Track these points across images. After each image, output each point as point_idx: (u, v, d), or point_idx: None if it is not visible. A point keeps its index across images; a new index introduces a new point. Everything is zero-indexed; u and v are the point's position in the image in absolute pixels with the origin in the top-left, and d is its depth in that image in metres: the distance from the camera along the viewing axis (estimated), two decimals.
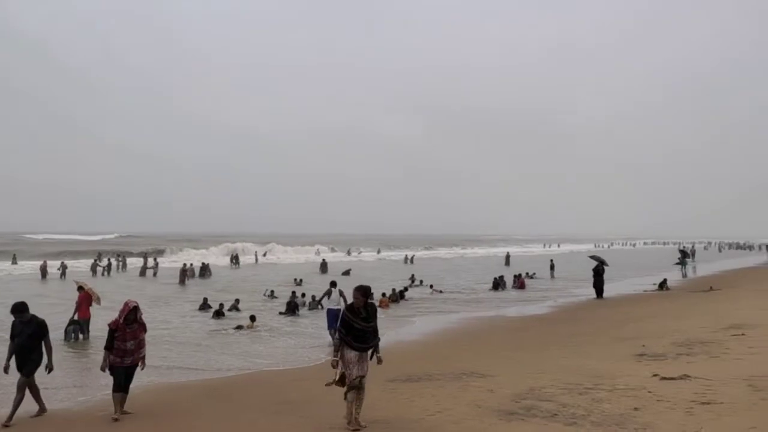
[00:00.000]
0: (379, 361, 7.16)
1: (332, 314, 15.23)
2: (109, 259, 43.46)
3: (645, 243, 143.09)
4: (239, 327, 16.90)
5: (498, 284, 29.25)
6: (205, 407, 8.54)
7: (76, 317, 15.14)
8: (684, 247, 56.66)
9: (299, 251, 69.60)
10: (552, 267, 38.04)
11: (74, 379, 11.18)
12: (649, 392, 7.75)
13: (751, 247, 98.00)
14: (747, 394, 7.34)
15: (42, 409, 8.27)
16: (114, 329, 7.86)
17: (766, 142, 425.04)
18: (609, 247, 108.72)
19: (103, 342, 8.12)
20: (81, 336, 14.99)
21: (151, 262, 42.40)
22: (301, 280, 31.25)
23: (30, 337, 7.93)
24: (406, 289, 26.25)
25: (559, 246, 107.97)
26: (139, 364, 8.13)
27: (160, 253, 59.76)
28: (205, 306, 20.87)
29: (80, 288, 15.56)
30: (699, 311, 17.34)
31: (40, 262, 38.21)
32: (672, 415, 6.72)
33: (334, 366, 7.09)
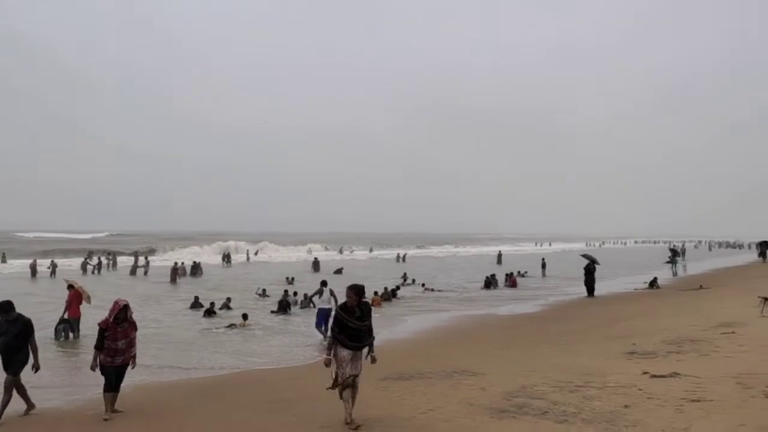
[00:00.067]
0: (373, 360, 7.15)
1: (323, 313, 15.30)
2: (99, 258, 43.23)
3: (636, 242, 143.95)
4: (232, 325, 16.86)
5: (490, 283, 29.33)
6: (198, 406, 8.52)
7: (66, 316, 15.06)
8: (674, 245, 57.00)
9: (291, 250, 69.51)
10: (543, 266, 38.18)
11: (64, 378, 11.12)
12: (640, 390, 7.79)
13: (741, 246, 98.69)
14: (736, 391, 7.39)
15: (30, 407, 8.21)
16: (104, 329, 7.81)
17: (766, 142, 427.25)
18: (600, 245, 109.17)
19: (93, 341, 8.07)
20: (71, 335, 14.91)
21: (142, 260, 42.22)
22: (293, 279, 31.21)
23: (16, 337, 7.86)
24: (398, 287, 26.28)
25: (550, 245, 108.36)
26: (130, 363, 8.10)
27: (152, 251, 59.53)
28: (196, 305, 20.81)
29: (70, 286, 15.47)
30: (689, 309, 17.45)
31: (29, 261, 37.96)
32: (662, 412, 6.76)
33: (327, 365, 7.08)
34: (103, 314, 8.03)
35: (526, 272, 36.16)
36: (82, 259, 41.48)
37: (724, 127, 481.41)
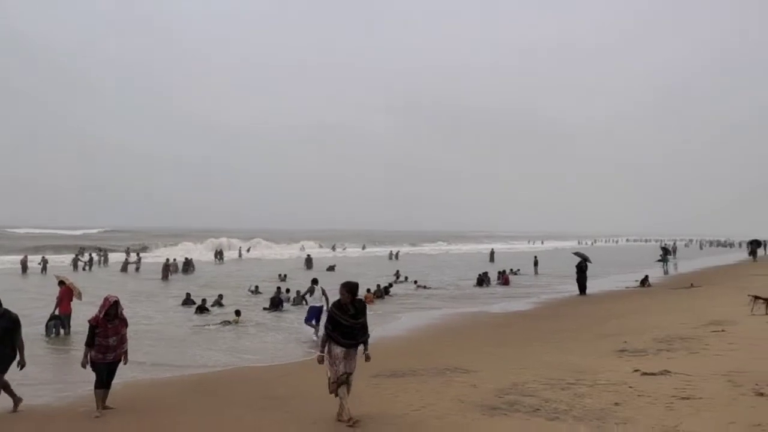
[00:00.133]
0: (367, 358, 7.15)
1: (314, 310, 15.34)
2: (90, 254, 43.01)
3: (628, 240, 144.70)
4: (226, 322, 16.82)
5: (482, 280, 29.39)
6: (190, 403, 8.50)
7: (57, 312, 14.98)
8: (665, 244, 57.40)
9: (284, 247, 69.39)
10: (536, 263, 38.34)
11: (55, 375, 11.08)
12: (630, 387, 7.84)
13: (731, 245, 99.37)
14: (726, 389, 7.44)
15: (17, 401, 8.12)
16: (95, 325, 7.74)
17: (766, 142, 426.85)
18: (593, 244, 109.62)
19: (84, 337, 8.02)
20: (62, 331, 14.83)
21: (133, 257, 42.03)
22: (285, 276, 31.16)
23: (3, 333, 7.78)
24: (390, 285, 26.31)
25: (543, 243, 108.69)
26: (122, 359, 8.05)
27: (145, 248, 59.27)
28: (188, 301, 20.75)
29: (61, 283, 15.39)
30: (680, 308, 17.56)
31: (20, 257, 37.72)
32: (652, 410, 6.80)
33: (320, 362, 7.08)
34: (94, 311, 7.97)
35: (518, 270, 36.29)
36: (73, 255, 41.28)
37: (724, 127, 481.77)
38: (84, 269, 37.63)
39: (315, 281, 16.32)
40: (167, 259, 35.81)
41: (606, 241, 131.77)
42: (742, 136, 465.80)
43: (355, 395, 7.30)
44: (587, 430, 6.26)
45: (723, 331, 11.98)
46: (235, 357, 12.71)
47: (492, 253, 53.70)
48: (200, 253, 54.48)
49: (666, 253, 39.14)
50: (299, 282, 26.55)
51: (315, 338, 14.54)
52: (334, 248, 71.60)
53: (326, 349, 7.04)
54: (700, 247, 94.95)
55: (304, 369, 10.95)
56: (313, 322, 15.14)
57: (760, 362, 8.84)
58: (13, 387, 8.14)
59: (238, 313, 17.46)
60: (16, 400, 8.14)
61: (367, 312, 7.32)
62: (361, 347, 7.14)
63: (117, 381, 8.21)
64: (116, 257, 45.78)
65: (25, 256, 37.10)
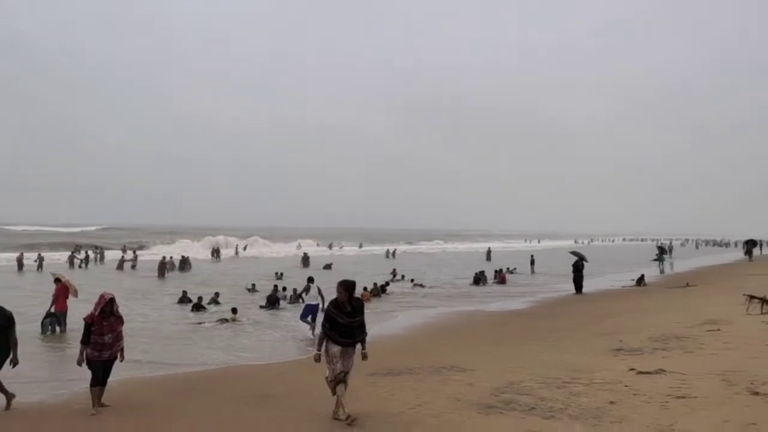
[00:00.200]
0: (364, 357, 7.13)
1: (309, 308, 15.41)
2: (86, 252, 42.90)
3: (624, 239, 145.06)
4: (223, 320, 16.80)
5: (479, 279, 29.42)
6: (187, 400, 8.49)
7: (53, 310, 14.95)
8: (662, 243, 57.51)
9: (281, 245, 69.28)
10: (532, 262, 38.38)
11: (50, 372, 11.05)
12: (626, 386, 7.86)
13: (727, 244, 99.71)
14: (721, 388, 7.47)
15: (10, 397, 8.09)
16: (90, 323, 7.71)
17: (766, 142, 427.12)
18: (589, 243, 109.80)
19: (80, 335, 8.00)
20: (58, 329, 14.80)
21: (130, 254, 41.93)
22: (282, 274, 31.15)
23: None
24: (387, 283, 26.31)
25: (539, 242, 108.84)
26: (118, 356, 8.03)
27: (141, 246, 59.13)
28: (184, 299, 20.73)
29: (57, 280, 15.36)
30: (675, 307, 17.61)
31: (16, 254, 37.58)
32: (647, 408, 6.82)
33: (317, 360, 7.08)
34: (90, 309, 7.95)
35: (515, 269, 36.32)
36: (69, 253, 41.16)
37: (724, 127, 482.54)
38: (80, 267, 37.54)
39: (311, 279, 16.38)
40: (164, 257, 35.74)
41: (602, 241, 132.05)
42: (742, 136, 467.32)
43: (351, 393, 7.30)
44: (583, 429, 6.28)
45: (718, 330, 12.02)
46: (232, 355, 12.70)
47: (489, 252, 53.76)
48: (197, 251, 54.38)
49: (662, 252, 39.23)
50: (296, 280, 26.55)
51: (311, 336, 14.56)
52: (330, 247, 71.56)
53: (323, 347, 7.04)
54: (696, 247, 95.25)
55: (301, 367, 10.96)
56: (309, 318, 15.21)
57: (754, 361, 8.87)
58: (7, 385, 8.12)
59: (234, 310, 17.45)
60: (9, 396, 8.11)
61: (364, 310, 7.31)
62: (359, 346, 7.13)
63: (113, 379, 8.19)
64: (113, 255, 45.67)
65: (21, 254, 36.96)
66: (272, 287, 22.27)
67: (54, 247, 53.73)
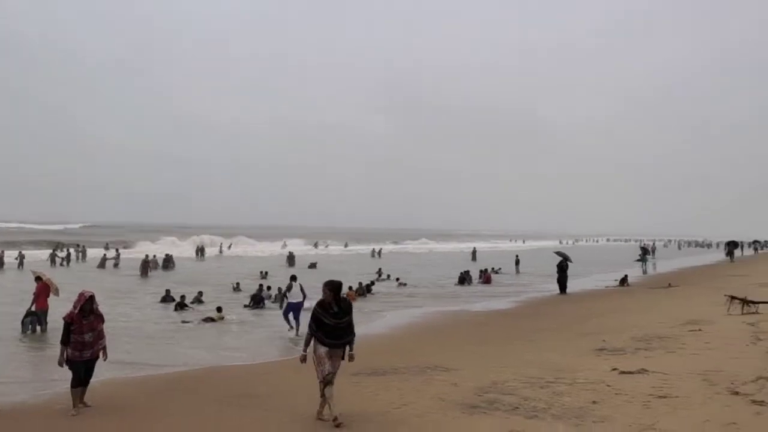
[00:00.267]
0: (350, 358, 7.06)
1: (291, 306, 15.50)
2: (68, 250, 42.38)
3: (608, 240, 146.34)
4: (210, 319, 16.68)
5: (464, 279, 29.49)
6: (169, 401, 8.41)
7: (33, 308, 14.75)
8: (645, 244, 58.12)
9: (266, 244, 68.89)
10: (517, 262, 38.56)
11: (31, 373, 10.92)
12: (608, 386, 7.92)
13: (709, 245, 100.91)
14: (702, 388, 7.55)
15: None
16: (69, 322, 7.61)
17: (766, 142, 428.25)
18: (574, 243, 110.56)
19: (61, 334, 7.90)
20: (39, 328, 14.61)
21: (112, 253, 41.50)
22: (266, 273, 31.00)
23: None
24: (373, 283, 26.29)
25: (524, 242, 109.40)
26: (101, 355, 7.93)
27: (125, 244, 58.51)
28: (167, 298, 20.54)
29: (38, 278, 15.15)
30: (658, 307, 17.79)
31: None
32: (629, 408, 6.88)
33: (303, 360, 7.04)
34: (71, 307, 7.85)
35: (500, 269, 36.47)
36: (50, 251, 40.65)
37: (724, 127, 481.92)
38: (62, 265, 37.07)
39: (294, 278, 16.39)
40: (146, 256, 35.38)
41: (587, 241, 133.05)
42: (742, 136, 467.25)
43: (335, 393, 7.28)
44: (566, 428, 6.31)
45: (700, 330, 12.15)
46: (216, 354, 12.61)
47: (474, 252, 53.94)
48: (181, 249, 53.96)
49: (645, 253, 39.64)
50: (280, 279, 26.42)
51: (291, 334, 14.81)
52: (316, 246, 71.28)
53: (310, 348, 6.99)
54: (679, 248, 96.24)
55: (285, 367, 10.91)
56: (291, 317, 15.24)
57: (735, 362, 8.98)
58: None
59: (220, 309, 17.34)
60: None
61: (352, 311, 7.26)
62: (347, 347, 7.08)
63: (94, 380, 8.09)
64: (95, 253, 45.17)
65: (2, 251, 36.39)
66: (257, 286, 22.17)
67: (36, 244, 53.03)
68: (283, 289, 19.49)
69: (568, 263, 25.47)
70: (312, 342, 6.99)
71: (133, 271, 32.51)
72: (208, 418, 7.44)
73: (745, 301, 14.45)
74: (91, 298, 7.77)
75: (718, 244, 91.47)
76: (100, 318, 7.93)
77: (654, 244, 79.91)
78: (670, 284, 25.48)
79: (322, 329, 6.88)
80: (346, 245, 75.84)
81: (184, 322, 16.59)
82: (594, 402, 7.18)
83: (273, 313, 18.46)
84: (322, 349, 6.89)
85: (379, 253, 55.98)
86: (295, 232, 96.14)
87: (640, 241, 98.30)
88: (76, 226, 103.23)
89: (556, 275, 25.31)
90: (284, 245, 65.22)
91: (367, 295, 23.44)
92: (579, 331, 13.94)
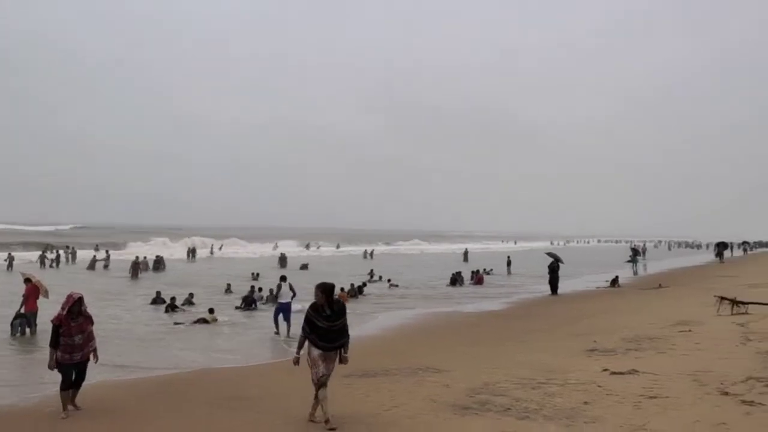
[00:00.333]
0: (344, 360, 7.03)
1: (281, 306, 15.47)
2: (57, 251, 42.09)
3: (599, 241, 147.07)
4: (203, 321, 16.60)
5: (456, 280, 29.54)
6: (160, 403, 8.36)
7: (23, 310, 14.63)
8: (635, 245, 58.41)
9: (257, 246, 68.69)
10: (509, 263, 38.65)
11: (21, 376, 10.84)
12: (599, 387, 7.95)
13: (699, 246, 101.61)
14: (692, 388, 7.60)
15: None
16: (58, 325, 7.53)
17: (766, 142, 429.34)
18: (565, 244, 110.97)
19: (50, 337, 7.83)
20: (28, 330, 14.49)
21: (102, 254, 41.24)
22: (258, 275, 30.91)
23: None
24: (364, 284, 26.27)
25: (516, 243, 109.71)
26: (92, 357, 7.86)
27: (116, 245, 58.11)
28: (158, 300, 20.43)
29: (27, 280, 15.02)
30: (648, 308, 17.88)
31: None
32: (620, 408, 6.91)
33: (296, 363, 7.01)
34: (59, 309, 7.79)
35: (491, 270, 36.54)
36: (40, 252, 40.36)
37: (724, 127, 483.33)
38: (51, 267, 36.82)
39: (283, 278, 16.34)
40: (137, 257, 35.22)
41: (578, 242, 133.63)
42: (742, 136, 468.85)
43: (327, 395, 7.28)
44: (557, 429, 6.33)
45: (690, 331, 12.23)
46: (207, 356, 12.56)
47: (466, 253, 54.04)
48: (172, 251, 53.70)
49: (635, 254, 39.85)
50: (272, 281, 26.23)
51: (277, 337, 14.86)
52: (308, 247, 71.17)
53: (303, 351, 6.96)
54: (669, 249, 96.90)
55: (276, 369, 10.87)
56: (281, 318, 15.28)
57: (725, 362, 9.05)
58: None
59: (211, 311, 17.27)
60: None
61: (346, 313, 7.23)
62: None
63: (86, 383, 7.99)
64: (85, 254, 44.87)
65: None
66: (249, 288, 22.10)
67: (26, 246, 52.63)
68: (275, 290, 19.49)
69: (560, 264, 25.55)
70: (306, 344, 6.97)
71: (123, 273, 32.33)
72: (199, 421, 7.40)
73: (734, 302, 14.56)
74: (80, 299, 7.71)
75: (707, 245, 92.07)
76: (89, 320, 7.86)
77: (644, 245, 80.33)
78: (660, 285, 25.63)
79: (315, 332, 6.84)
80: (338, 246, 75.74)
81: (176, 323, 16.52)
82: (585, 403, 7.20)
83: (265, 315, 18.39)
84: (316, 352, 6.85)
85: (371, 254, 55.95)
86: (289, 233, 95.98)
87: (631, 242, 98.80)
88: (67, 227, 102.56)
89: (548, 276, 25.40)
90: (276, 246, 65.07)
91: (359, 296, 23.42)
92: (570, 332, 13.99)
